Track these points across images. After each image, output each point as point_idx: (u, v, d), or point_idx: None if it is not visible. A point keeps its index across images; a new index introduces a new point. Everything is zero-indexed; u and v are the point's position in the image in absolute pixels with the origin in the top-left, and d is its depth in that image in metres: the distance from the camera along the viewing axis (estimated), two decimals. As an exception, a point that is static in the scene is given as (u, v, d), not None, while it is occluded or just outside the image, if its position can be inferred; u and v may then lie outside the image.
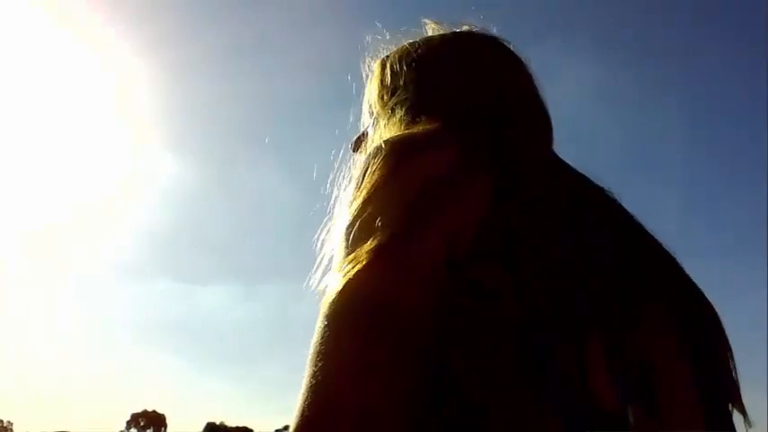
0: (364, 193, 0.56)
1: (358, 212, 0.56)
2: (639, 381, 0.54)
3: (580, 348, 0.53)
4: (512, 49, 0.81)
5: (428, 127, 0.65)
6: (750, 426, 0.62)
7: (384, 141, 0.60)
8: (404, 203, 0.55)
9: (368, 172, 0.58)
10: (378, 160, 0.58)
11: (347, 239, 0.55)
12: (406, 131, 0.66)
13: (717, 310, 0.65)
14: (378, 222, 0.54)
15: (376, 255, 0.52)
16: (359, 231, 0.54)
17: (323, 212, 0.68)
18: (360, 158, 0.64)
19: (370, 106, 0.80)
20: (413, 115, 0.71)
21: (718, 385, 0.61)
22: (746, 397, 0.62)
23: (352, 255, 0.53)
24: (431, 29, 0.83)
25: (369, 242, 0.53)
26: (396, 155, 0.58)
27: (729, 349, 0.63)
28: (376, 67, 0.82)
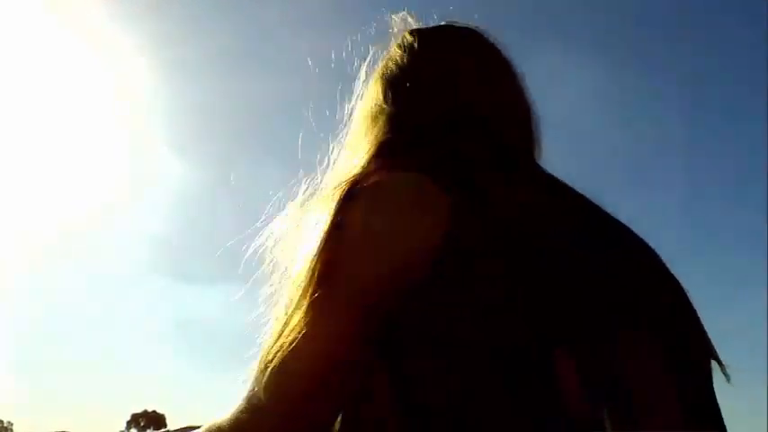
0: (317, 244, 0.59)
1: (309, 264, 0.59)
2: (614, 390, 0.54)
3: (550, 361, 0.54)
4: (498, 48, 0.78)
5: (396, 174, 0.64)
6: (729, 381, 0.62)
7: (337, 187, 0.62)
8: (334, 262, 0.58)
9: (324, 219, 0.60)
10: (331, 208, 0.60)
11: (295, 287, 0.59)
12: (363, 171, 0.66)
13: (695, 307, 0.64)
14: (312, 287, 0.58)
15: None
16: (300, 288, 0.58)
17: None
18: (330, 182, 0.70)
19: (346, 119, 0.80)
20: (378, 142, 0.71)
21: (697, 389, 0.60)
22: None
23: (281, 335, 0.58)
24: (407, 24, 0.81)
25: (298, 318, 0.57)
26: (342, 205, 0.60)
27: (708, 353, 0.62)
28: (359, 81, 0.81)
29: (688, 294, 0.64)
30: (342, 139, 0.78)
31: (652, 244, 0.66)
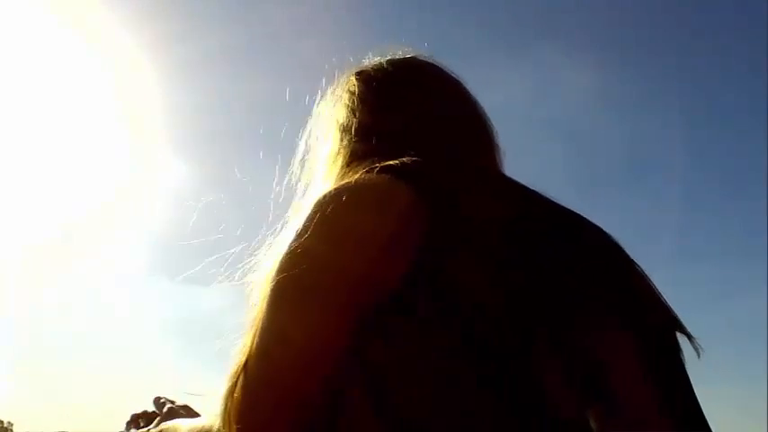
0: (296, 249, 0.60)
1: (282, 267, 0.60)
2: (593, 380, 0.55)
3: (532, 361, 0.54)
4: (446, 71, 0.83)
5: (362, 176, 0.65)
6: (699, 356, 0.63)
7: (323, 195, 0.63)
8: (312, 280, 0.59)
9: (307, 224, 0.61)
10: (313, 215, 0.61)
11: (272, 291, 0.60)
12: (341, 183, 0.67)
13: (665, 300, 0.65)
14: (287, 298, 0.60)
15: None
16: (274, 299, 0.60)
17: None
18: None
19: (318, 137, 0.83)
20: (350, 161, 0.74)
21: (675, 379, 0.61)
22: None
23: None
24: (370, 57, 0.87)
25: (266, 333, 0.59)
26: (320, 204, 0.62)
27: (676, 329, 0.64)
28: (328, 101, 0.85)
29: (655, 288, 0.66)
30: (301, 179, 0.82)
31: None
